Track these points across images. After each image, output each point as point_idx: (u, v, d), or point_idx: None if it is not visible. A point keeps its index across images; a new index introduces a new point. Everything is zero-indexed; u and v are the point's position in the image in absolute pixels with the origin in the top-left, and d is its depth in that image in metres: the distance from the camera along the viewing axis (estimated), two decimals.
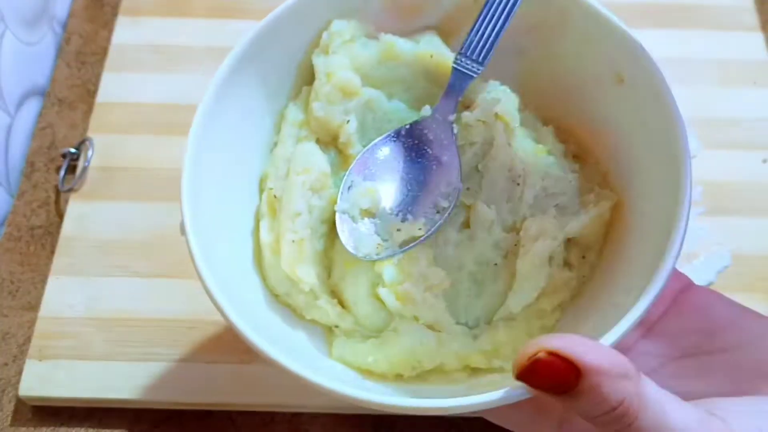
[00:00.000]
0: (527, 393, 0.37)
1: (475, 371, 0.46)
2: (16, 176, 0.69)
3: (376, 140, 0.48)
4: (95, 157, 0.66)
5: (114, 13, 0.76)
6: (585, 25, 0.47)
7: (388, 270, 0.45)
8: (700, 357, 0.43)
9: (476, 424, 0.57)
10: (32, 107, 0.71)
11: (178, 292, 0.60)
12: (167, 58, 0.72)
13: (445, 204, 0.46)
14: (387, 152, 0.48)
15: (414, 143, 0.48)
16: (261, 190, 0.49)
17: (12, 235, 0.65)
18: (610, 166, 0.48)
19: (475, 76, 0.47)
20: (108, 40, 0.74)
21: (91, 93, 0.72)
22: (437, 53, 0.49)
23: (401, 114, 0.50)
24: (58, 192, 0.67)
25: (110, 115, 0.69)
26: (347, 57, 0.48)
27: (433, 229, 0.46)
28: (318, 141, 0.49)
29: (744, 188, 0.65)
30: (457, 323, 0.46)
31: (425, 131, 0.48)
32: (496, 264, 0.47)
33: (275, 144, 0.49)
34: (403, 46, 0.49)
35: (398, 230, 0.46)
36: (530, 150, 0.48)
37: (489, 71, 0.48)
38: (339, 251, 0.47)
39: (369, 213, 0.47)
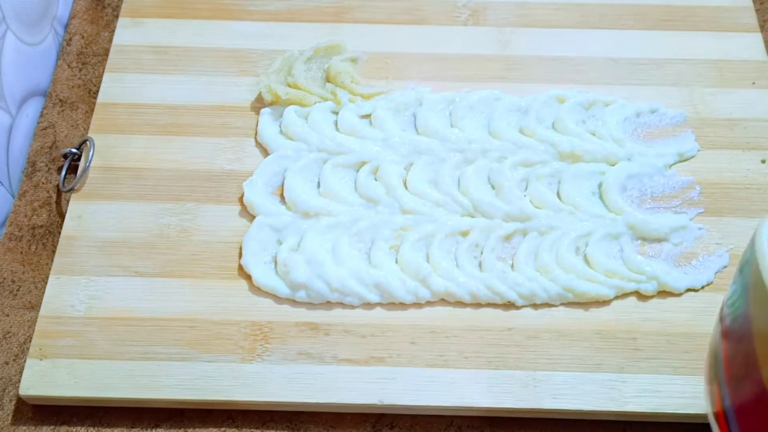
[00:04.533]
0: None
1: None
2: (17, 176, 0.69)
3: None
4: (96, 157, 0.66)
5: (115, 15, 0.77)
6: None
7: None
8: None
9: (476, 423, 0.57)
10: (34, 107, 0.72)
11: (178, 291, 0.60)
12: (168, 59, 0.72)
13: None
14: None
15: None
16: None
17: (13, 234, 0.65)
18: None
19: None
20: (109, 41, 0.74)
21: (93, 93, 0.72)
22: None
23: None
24: (59, 192, 0.67)
25: (111, 116, 0.69)
26: None
27: None
28: None
29: (743, 188, 0.65)
30: None
31: None
32: None
33: None
34: None
35: None
36: None
37: None
38: None
39: None
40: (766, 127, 0.68)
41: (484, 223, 0.63)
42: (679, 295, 0.61)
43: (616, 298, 0.60)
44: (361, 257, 0.61)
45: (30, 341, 0.59)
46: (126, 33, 0.73)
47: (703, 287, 0.61)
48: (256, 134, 0.68)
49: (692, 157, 0.67)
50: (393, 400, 0.56)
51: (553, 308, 0.60)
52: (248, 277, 0.61)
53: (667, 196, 0.65)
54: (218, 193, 0.65)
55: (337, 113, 0.68)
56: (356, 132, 0.67)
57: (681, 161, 0.67)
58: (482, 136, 0.67)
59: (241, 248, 0.62)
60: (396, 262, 0.61)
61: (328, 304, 0.60)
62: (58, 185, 0.67)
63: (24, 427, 0.57)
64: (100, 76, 0.72)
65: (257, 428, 0.57)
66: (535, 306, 0.60)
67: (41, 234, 0.65)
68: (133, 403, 0.57)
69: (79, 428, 0.57)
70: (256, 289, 0.60)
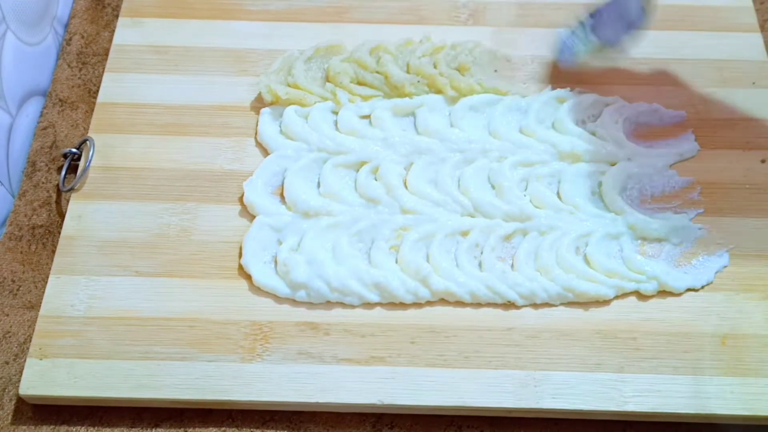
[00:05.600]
0: None
1: None
2: (17, 176, 0.69)
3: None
4: (96, 157, 0.66)
5: (115, 14, 0.77)
6: None
7: None
8: None
9: (476, 423, 0.57)
10: (34, 107, 0.72)
11: (178, 291, 0.60)
12: (168, 58, 0.72)
13: None
14: None
15: None
16: None
17: (13, 234, 0.65)
18: None
19: None
20: (109, 40, 0.74)
21: (92, 93, 0.72)
22: None
23: None
24: (59, 192, 0.67)
25: (111, 116, 0.69)
26: None
27: None
28: None
29: (742, 188, 0.65)
30: None
31: None
32: None
33: None
34: None
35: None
36: None
37: None
38: None
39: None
40: (766, 127, 0.68)
41: (484, 223, 0.63)
42: (679, 295, 0.61)
43: (616, 297, 0.60)
44: (361, 257, 0.61)
45: (30, 341, 0.59)
46: (126, 33, 0.73)
47: (703, 287, 0.61)
48: (256, 134, 0.68)
49: (692, 157, 0.67)
50: (393, 399, 0.56)
51: (553, 308, 0.60)
52: (248, 277, 0.61)
53: (667, 196, 0.65)
54: (218, 193, 0.65)
55: (337, 113, 0.68)
56: (356, 132, 0.67)
57: (681, 161, 0.67)
58: (482, 136, 0.67)
59: (241, 248, 0.62)
60: (396, 262, 0.61)
61: (328, 304, 0.60)
62: (58, 185, 0.67)
63: (24, 427, 0.57)
64: (100, 76, 0.72)
65: (257, 428, 0.57)
66: (535, 306, 0.60)
67: (41, 234, 0.65)
68: (133, 403, 0.57)
69: (79, 428, 0.57)
70: (256, 289, 0.60)
